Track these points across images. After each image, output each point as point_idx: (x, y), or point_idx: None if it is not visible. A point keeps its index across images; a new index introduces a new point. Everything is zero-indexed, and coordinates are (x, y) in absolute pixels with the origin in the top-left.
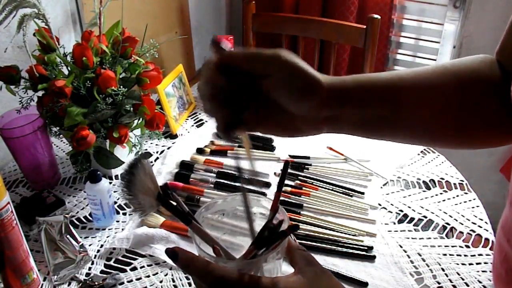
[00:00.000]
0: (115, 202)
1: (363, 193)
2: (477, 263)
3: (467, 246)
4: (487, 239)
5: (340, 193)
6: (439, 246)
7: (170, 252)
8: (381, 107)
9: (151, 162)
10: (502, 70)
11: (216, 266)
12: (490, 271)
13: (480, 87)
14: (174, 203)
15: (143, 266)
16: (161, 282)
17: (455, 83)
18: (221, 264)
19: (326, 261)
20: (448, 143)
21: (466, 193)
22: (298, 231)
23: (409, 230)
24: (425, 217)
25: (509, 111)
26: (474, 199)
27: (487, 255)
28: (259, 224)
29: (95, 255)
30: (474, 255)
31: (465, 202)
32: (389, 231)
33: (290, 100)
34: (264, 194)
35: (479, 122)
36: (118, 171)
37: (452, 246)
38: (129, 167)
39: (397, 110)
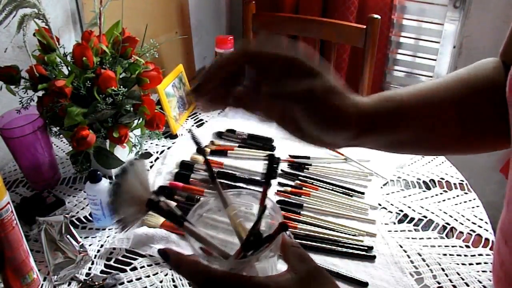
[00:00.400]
0: None
1: (363, 193)
2: (477, 263)
3: (467, 246)
4: (487, 239)
5: (340, 193)
6: (439, 246)
7: (162, 253)
8: (409, 131)
9: (151, 162)
10: (506, 71)
11: (205, 266)
12: (490, 271)
13: (498, 96)
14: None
15: (143, 266)
16: (161, 282)
17: (473, 95)
18: (213, 263)
19: (326, 261)
20: (462, 151)
21: (466, 193)
22: (298, 231)
23: (409, 230)
24: (425, 217)
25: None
26: (474, 199)
27: (487, 255)
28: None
29: (95, 255)
30: (474, 255)
31: (465, 202)
32: (389, 231)
33: (317, 131)
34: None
35: (493, 129)
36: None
37: (452, 246)
38: (116, 177)
39: (422, 131)
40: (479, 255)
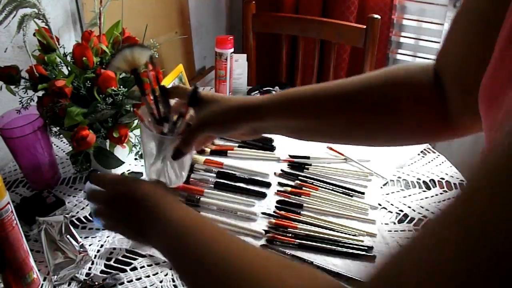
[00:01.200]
0: None
1: (363, 193)
2: None
3: None
4: None
5: (340, 193)
6: None
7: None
8: (304, 118)
9: None
10: (436, 78)
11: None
12: None
13: (406, 94)
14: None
15: (143, 266)
16: (161, 282)
17: (378, 91)
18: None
19: (326, 261)
20: (373, 143)
21: None
22: (298, 231)
23: (409, 230)
24: (425, 217)
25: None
26: None
27: None
28: (258, 223)
29: (95, 255)
30: None
31: None
32: (389, 231)
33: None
34: (264, 194)
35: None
36: (118, 171)
37: None
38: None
39: (318, 120)
40: None
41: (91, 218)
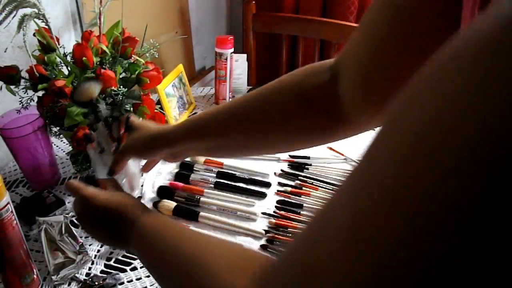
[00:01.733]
0: None
1: None
2: None
3: None
4: None
5: None
6: None
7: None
8: (210, 139)
9: None
10: (332, 77)
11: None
12: None
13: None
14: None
15: (143, 266)
16: None
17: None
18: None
19: None
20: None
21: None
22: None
23: None
24: None
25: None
26: None
27: None
28: (258, 223)
29: (95, 255)
30: None
31: None
32: None
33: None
34: (264, 194)
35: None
36: None
37: None
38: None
39: (222, 139)
40: None
41: None
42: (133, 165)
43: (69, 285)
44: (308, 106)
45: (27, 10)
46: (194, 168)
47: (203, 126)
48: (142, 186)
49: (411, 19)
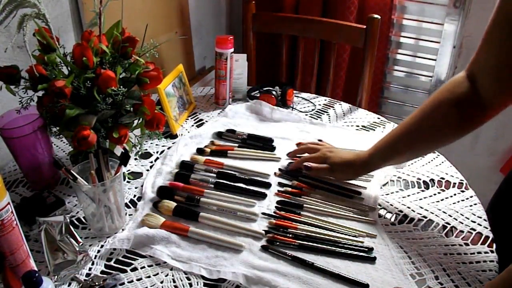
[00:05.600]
0: None
1: (362, 194)
2: (477, 262)
3: (467, 244)
4: (487, 237)
5: (340, 194)
6: (439, 245)
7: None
8: (402, 158)
9: (151, 162)
10: (471, 83)
11: None
12: (490, 270)
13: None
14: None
15: (144, 267)
16: (161, 282)
17: (441, 115)
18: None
19: (327, 262)
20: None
21: (463, 191)
22: (298, 231)
23: (409, 231)
24: (425, 217)
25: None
26: (471, 197)
27: (485, 253)
28: (258, 224)
29: (96, 256)
30: (473, 253)
31: (463, 200)
32: (389, 231)
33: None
34: (264, 194)
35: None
36: None
37: (452, 245)
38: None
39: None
40: (478, 253)
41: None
42: (119, 196)
43: (69, 285)
44: (461, 108)
45: (27, 10)
46: (194, 168)
47: (392, 152)
48: (142, 186)
49: None
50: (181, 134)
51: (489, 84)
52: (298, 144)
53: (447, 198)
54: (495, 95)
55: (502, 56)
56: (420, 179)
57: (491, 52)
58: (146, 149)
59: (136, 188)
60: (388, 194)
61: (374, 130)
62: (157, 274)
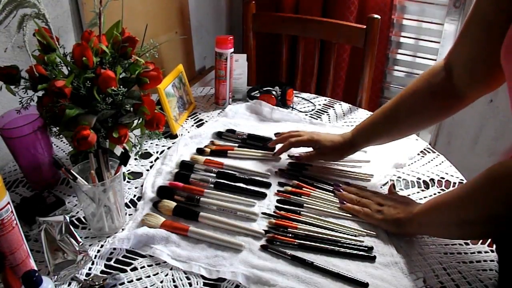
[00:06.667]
0: None
1: None
2: (477, 261)
3: (467, 244)
4: None
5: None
6: (439, 245)
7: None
8: (384, 139)
9: (151, 162)
10: (446, 71)
11: None
12: (490, 270)
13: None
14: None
15: (144, 266)
16: (161, 282)
17: (422, 99)
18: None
19: (327, 262)
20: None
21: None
22: (298, 231)
23: None
24: None
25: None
26: None
27: (485, 252)
28: (258, 224)
29: (96, 255)
30: (473, 253)
31: None
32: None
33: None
34: (264, 194)
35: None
36: None
37: (452, 245)
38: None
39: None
40: (478, 252)
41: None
42: (119, 196)
43: (69, 285)
44: (436, 96)
45: (27, 10)
46: (194, 168)
47: (374, 132)
48: (142, 186)
49: (493, 29)
50: (181, 134)
51: (464, 75)
52: (277, 134)
53: None
54: (469, 85)
55: (476, 50)
56: (420, 178)
57: (467, 45)
58: (146, 149)
59: (136, 188)
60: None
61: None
62: (157, 273)
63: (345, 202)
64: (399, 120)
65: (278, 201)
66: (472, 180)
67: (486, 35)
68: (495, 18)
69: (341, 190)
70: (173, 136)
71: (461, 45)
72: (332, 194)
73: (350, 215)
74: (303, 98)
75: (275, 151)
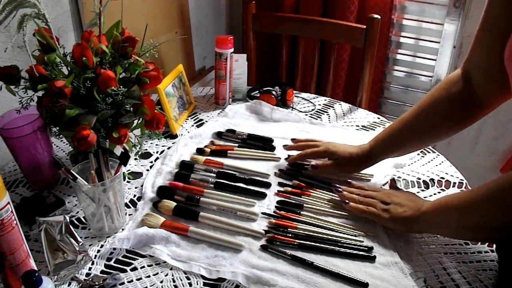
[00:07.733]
0: None
1: None
2: (477, 261)
3: (467, 244)
4: None
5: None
6: (439, 245)
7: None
8: (402, 151)
9: (151, 162)
10: (466, 82)
11: None
12: (490, 270)
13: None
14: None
15: (144, 266)
16: (161, 282)
17: (439, 112)
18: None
19: (327, 262)
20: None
21: (462, 190)
22: (298, 231)
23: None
24: None
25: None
26: None
27: (485, 252)
28: (258, 224)
29: (95, 255)
30: (473, 253)
31: None
32: (389, 231)
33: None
34: (264, 194)
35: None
36: None
37: (452, 245)
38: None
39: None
40: (478, 252)
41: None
42: (119, 196)
43: (69, 285)
44: (456, 106)
45: (27, 10)
46: (194, 168)
47: (392, 144)
48: (142, 186)
49: (505, 35)
50: (181, 134)
51: (482, 83)
52: (294, 140)
53: None
54: (489, 93)
55: (492, 58)
56: (420, 178)
57: (482, 53)
58: (146, 149)
59: (136, 188)
60: None
61: (374, 130)
62: (157, 273)
63: (348, 202)
64: (420, 130)
65: (278, 201)
66: (485, 186)
67: (500, 42)
68: (507, 25)
69: (341, 191)
70: (173, 136)
71: (477, 53)
72: (332, 194)
73: (350, 215)
74: (303, 98)
75: (286, 156)
